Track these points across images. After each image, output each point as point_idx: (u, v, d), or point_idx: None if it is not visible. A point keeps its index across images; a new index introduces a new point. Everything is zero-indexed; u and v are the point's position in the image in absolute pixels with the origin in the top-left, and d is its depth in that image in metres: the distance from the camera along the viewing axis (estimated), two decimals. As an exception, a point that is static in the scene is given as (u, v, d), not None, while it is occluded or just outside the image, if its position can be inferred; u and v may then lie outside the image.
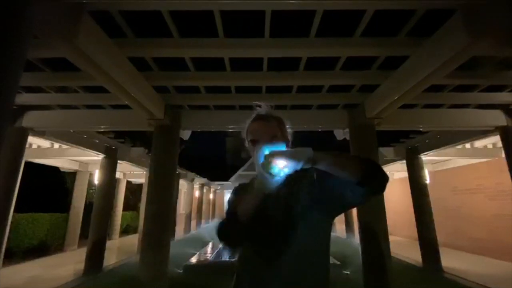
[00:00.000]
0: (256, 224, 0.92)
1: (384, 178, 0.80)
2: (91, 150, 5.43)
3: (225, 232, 0.96)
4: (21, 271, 5.31)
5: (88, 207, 8.22)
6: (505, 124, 3.89)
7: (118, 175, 8.84)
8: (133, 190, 13.16)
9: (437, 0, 1.97)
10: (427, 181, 6.01)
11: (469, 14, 1.91)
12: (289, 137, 1.06)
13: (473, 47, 1.99)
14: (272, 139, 0.95)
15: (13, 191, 3.64)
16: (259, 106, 1.06)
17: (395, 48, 2.58)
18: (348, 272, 4.85)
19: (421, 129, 4.75)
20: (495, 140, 5.39)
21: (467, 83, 3.34)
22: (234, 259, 5.29)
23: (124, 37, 2.46)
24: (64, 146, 5.69)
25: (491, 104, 3.81)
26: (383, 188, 0.81)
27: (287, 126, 1.07)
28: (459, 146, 5.77)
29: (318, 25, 2.31)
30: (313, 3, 1.96)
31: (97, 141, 5.50)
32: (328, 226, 0.97)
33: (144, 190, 8.57)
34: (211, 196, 19.69)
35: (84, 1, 1.77)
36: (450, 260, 5.71)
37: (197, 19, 2.31)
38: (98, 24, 2.10)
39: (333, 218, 0.99)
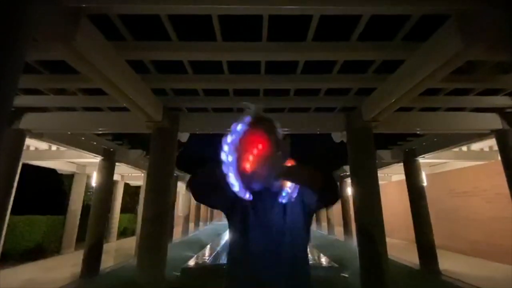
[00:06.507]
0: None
1: (337, 195, 0.98)
2: (89, 152, 5.42)
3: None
4: (17, 274, 5.26)
5: (85, 209, 8.18)
6: (500, 127, 3.92)
7: (116, 177, 8.79)
8: (131, 192, 13.10)
9: (432, 6, 2.01)
10: (424, 184, 6.03)
11: (463, 19, 1.94)
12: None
13: (467, 51, 2.03)
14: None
15: (10, 193, 3.62)
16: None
17: (391, 52, 2.61)
18: (346, 275, 4.85)
19: (418, 132, 4.78)
20: (491, 143, 5.43)
21: (463, 86, 3.38)
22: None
23: (123, 40, 2.47)
24: (62, 148, 5.67)
25: (486, 107, 3.85)
26: (334, 201, 0.99)
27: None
28: (456, 149, 5.81)
29: (315, 30, 2.34)
30: (310, 8, 1.99)
31: (95, 143, 5.49)
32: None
33: (142, 192, 8.53)
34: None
35: (83, 5, 1.78)
36: (447, 263, 5.72)
37: (196, 23, 2.33)
38: (97, 28, 2.12)
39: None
